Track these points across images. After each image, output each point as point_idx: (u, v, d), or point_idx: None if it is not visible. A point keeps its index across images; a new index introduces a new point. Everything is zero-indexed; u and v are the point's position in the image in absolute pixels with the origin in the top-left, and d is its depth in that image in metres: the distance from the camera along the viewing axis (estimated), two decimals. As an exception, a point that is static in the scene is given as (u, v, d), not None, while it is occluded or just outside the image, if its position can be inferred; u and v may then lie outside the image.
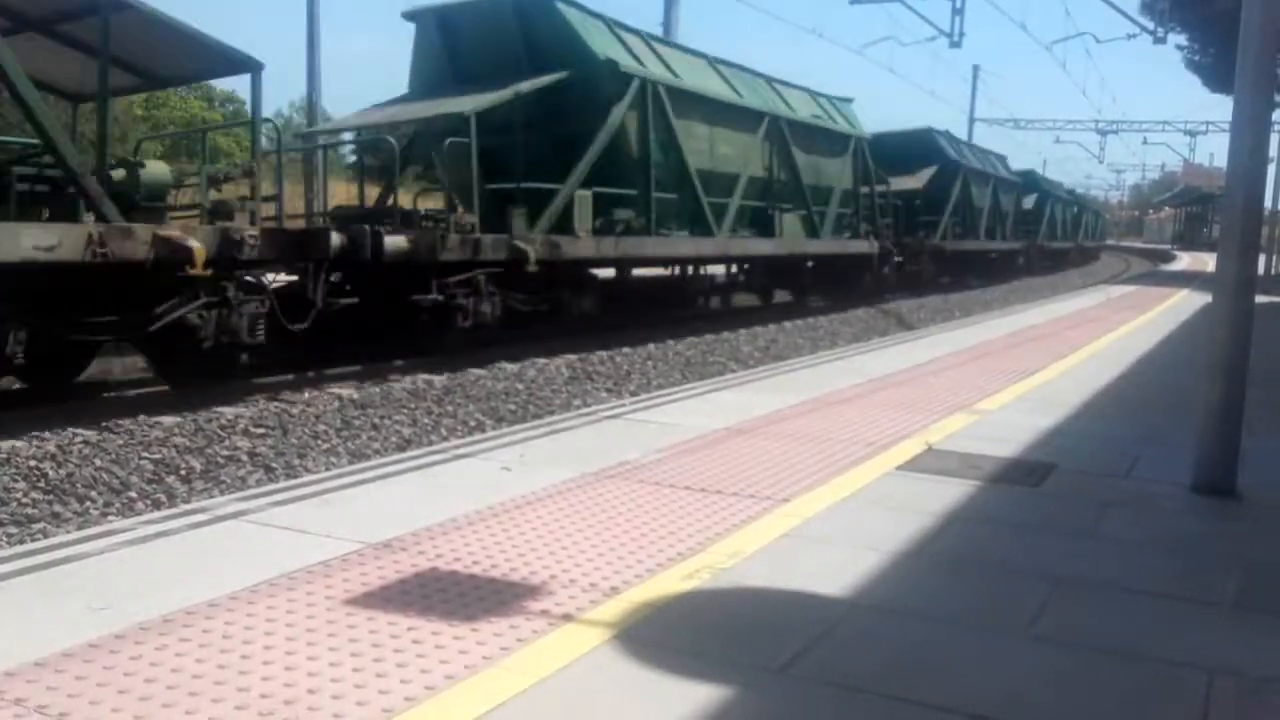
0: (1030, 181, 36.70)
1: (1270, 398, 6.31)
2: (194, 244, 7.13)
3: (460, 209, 10.61)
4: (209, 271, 7.27)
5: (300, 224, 10.07)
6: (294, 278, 8.78)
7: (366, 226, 8.93)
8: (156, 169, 8.25)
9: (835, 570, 3.05)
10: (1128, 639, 2.64)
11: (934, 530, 3.53)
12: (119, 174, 7.87)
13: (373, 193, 12.00)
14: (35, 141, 7.56)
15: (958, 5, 26.32)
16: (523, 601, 2.73)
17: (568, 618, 2.63)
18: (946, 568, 3.16)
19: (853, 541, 3.35)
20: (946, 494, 3.99)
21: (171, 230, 7.27)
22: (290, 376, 8.44)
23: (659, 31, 17.21)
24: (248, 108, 8.64)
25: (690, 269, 15.00)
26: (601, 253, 11.81)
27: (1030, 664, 2.47)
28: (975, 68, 49.71)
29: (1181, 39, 29.15)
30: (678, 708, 2.18)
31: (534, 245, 10.36)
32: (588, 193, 11.41)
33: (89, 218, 7.26)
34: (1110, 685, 2.37)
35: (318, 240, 8.56)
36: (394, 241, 8.97)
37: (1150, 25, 25.82)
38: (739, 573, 3.02)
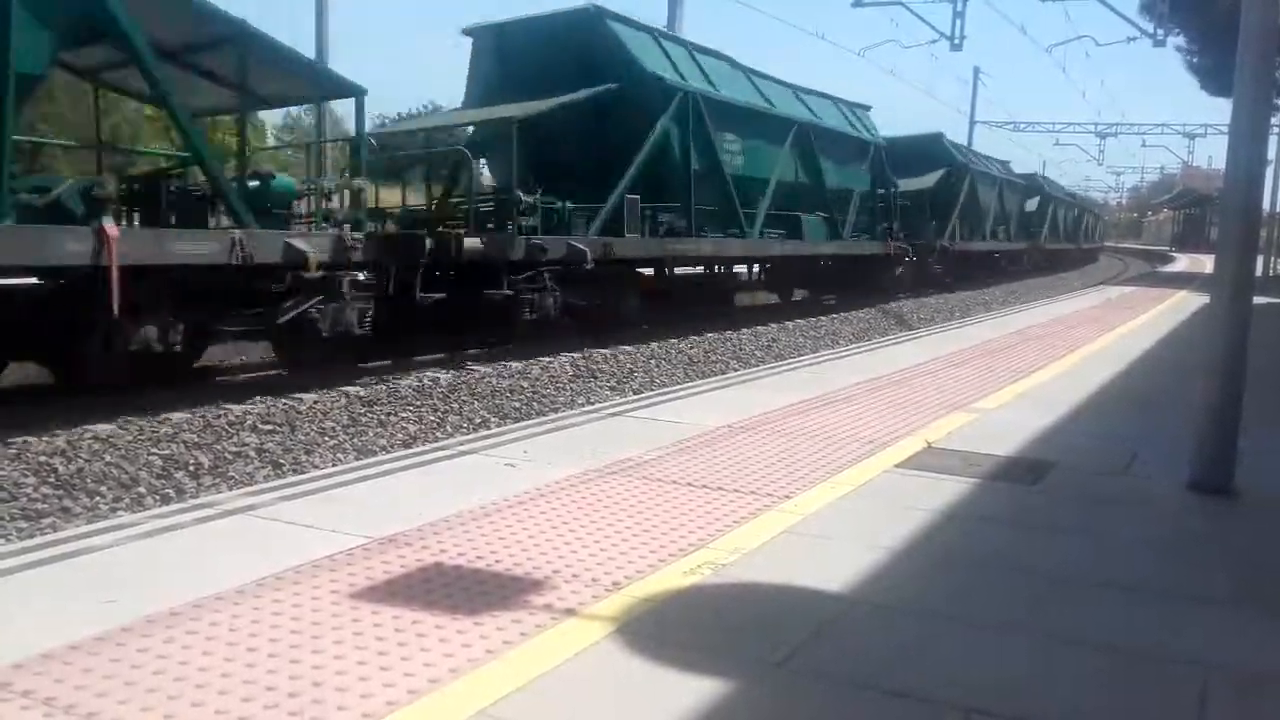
0: (1033, 184, 37.24)
1: (1267, 398, 6.33)
2: (307, 248, 8.03)
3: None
4: (320, 273, 8.17)
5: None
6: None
7: (450, 230, 9.87)
8: (284, 180, 9.25)
9: (835, 566, 3.08)
10: (1124, 635, 2.66)
11: (932, 527, 3.55)
12: (253, 184, 8.74)
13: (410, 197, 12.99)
14: (185, 154, 8.71)
15: (959, 8, 26.41)
16: (526, 596, 2.76)
17: (571, 612, 2.66)
18: (944, 565, 3.19)
19: (852, 538, 3.38)
20: (945, 492, 4.02)
21: (294, 237, 8.16)
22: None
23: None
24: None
25: (722, 268, 15.93)
26: (647, 252, 12.82)
27: (1027, 660, 2.50)
28: (976, 70, 49.72)
29: (1181, 42, 29.20)
30: (679, 700, 2.20)
31: (591, 246, 11.22)
32: (635, 197, 12.25)
33: (224, 222, 8.13)
34: (1107, 681, 2.40)
35: (414, 244, 9.52)
36: (472, 243, 9.85)
37: (1150, 28, 25.83)
38: (740, 568, 3.05)
